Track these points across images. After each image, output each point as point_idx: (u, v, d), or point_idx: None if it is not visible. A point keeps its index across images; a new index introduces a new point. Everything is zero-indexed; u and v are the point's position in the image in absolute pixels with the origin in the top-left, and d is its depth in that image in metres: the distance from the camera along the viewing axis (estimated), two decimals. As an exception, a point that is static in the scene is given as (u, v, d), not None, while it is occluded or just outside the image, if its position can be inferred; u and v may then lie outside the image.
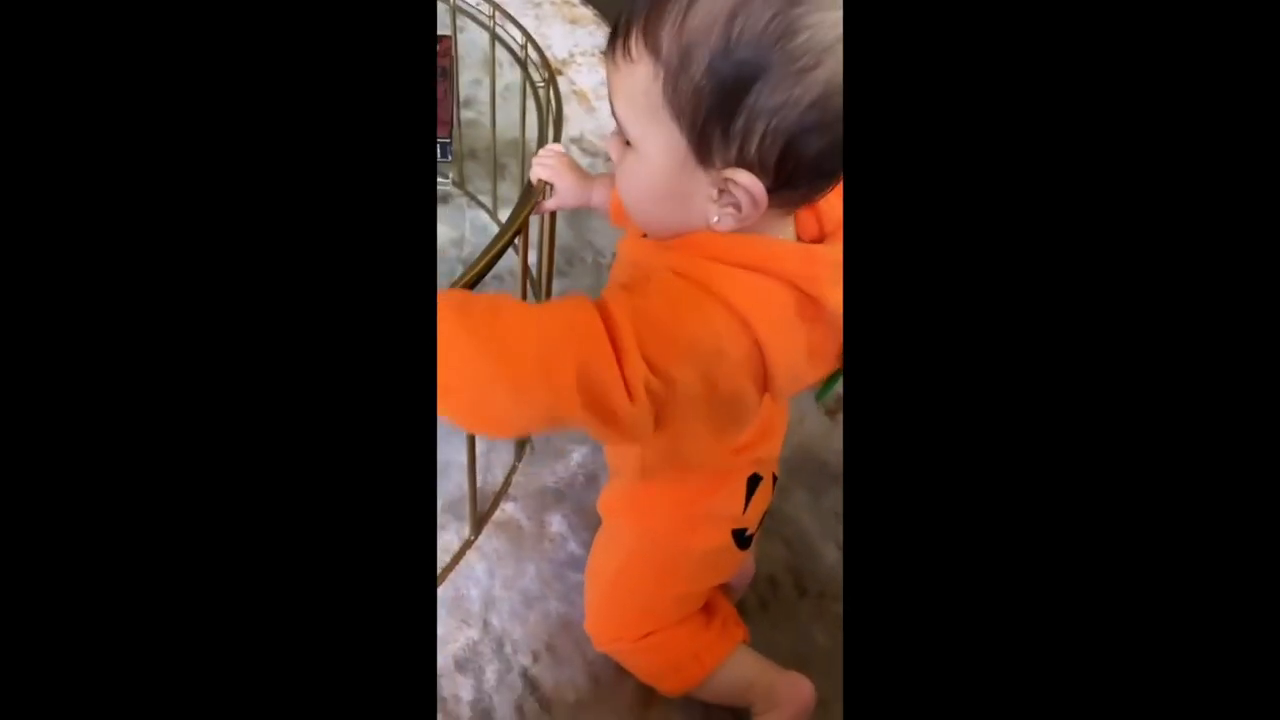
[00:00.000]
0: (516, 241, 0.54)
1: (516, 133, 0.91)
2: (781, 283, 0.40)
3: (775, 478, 0.59)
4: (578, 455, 0.80)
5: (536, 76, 0.76)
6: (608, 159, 0.63)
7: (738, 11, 0.34)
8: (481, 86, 1.30)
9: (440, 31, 1.03)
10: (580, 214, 1.02)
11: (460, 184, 1.08)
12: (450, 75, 1.05)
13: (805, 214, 0.45)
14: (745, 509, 0.55)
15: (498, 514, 0.74)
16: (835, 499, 0.78)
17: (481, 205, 1.08)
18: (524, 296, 0.66)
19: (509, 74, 0.91)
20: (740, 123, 0.36)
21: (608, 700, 0.64)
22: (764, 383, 0.42)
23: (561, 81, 1.25)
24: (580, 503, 0.76)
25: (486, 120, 0.99)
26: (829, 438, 0.83)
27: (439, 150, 1.03)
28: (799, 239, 0.45)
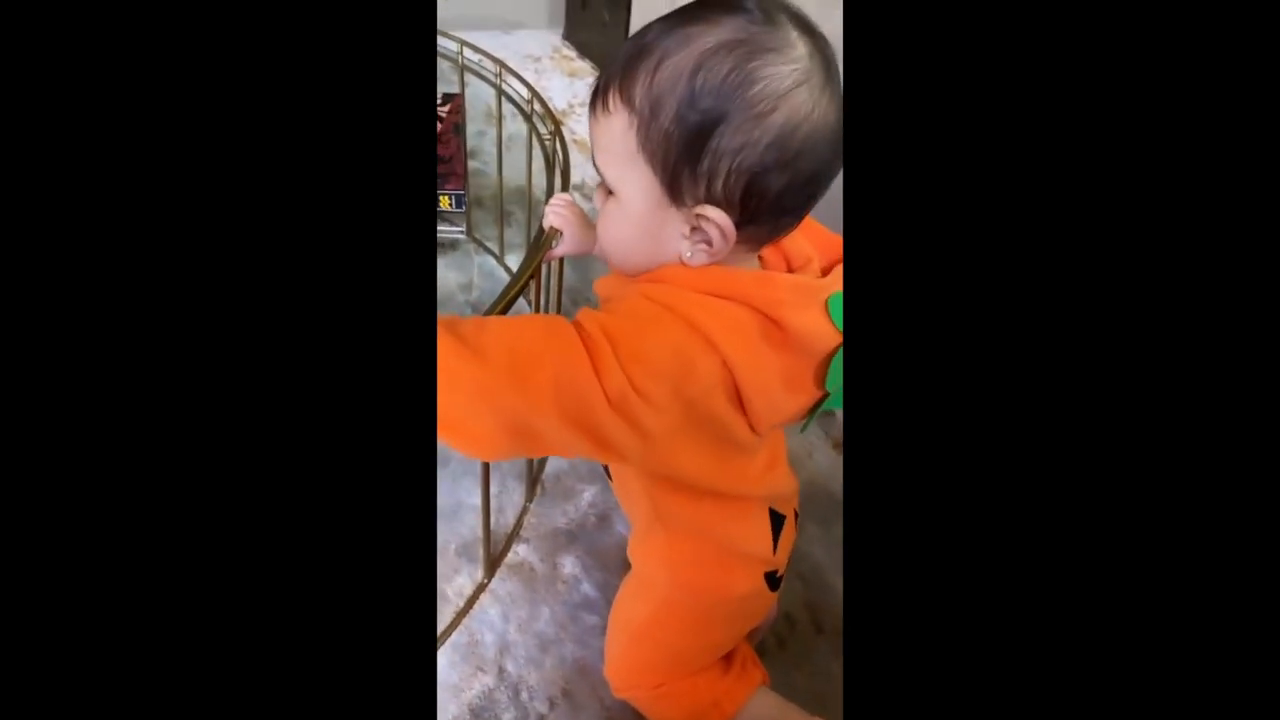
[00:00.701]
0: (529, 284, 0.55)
1: (521, 181, 0.94)
2: (742, 306, 0.43)
3: (797, 514, 0.59)
4: (589, 495, 0.80)
5: (542, 128, 0.79)
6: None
7: (701, 66, 0.39)
8: (486, 138, 1.34)
9: (450, 90, 1.07)
10: (585, 259, 1.04)
11: (468, 231, 1.11)
12: (463, 131, 1.08)
13: (771, 252, 0.49)
14: (775, 549, 0.56)
15: (510, 556, 0.74)
16: (847, 532, 0.78)
17: (489, 251, 1.10)
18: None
19: (511, 125, 0.94)
20: (706, 163, 0.40)
21: (626, 746, 0.63)
22: (741, 405, 0.44)
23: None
24: (592, 544, 0.76)
25: (491, 170, 1.02)
26: (838, 470, 0.84)
27: (454, 201, 1.06)
28: None
